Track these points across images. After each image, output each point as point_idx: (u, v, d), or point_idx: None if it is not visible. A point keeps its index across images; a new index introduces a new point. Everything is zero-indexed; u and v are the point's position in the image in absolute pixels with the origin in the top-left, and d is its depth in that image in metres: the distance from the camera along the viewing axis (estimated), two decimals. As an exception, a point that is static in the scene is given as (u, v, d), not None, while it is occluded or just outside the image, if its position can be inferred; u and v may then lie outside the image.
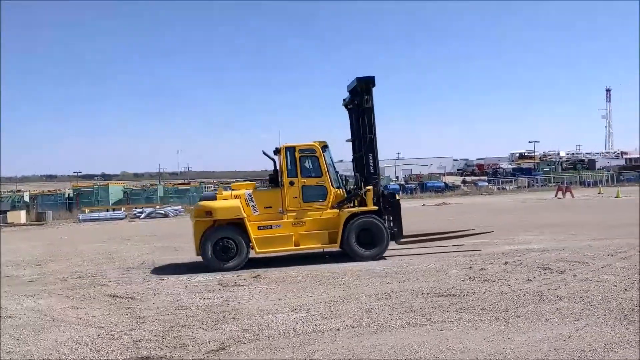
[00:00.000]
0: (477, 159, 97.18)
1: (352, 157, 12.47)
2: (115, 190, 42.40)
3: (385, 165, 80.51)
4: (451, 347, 5.09)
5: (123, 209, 34.95)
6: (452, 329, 5.71)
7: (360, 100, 11.60)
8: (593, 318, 5.82)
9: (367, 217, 11.12)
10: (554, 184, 43.72)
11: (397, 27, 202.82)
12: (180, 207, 33.80)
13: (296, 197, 11.20)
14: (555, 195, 33.80)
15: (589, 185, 46.68)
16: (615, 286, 7.31)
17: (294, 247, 11.07)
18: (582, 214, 19.95)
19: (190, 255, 12.09)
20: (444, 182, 53.13)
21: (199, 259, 10.91)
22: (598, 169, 56.81)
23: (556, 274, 8.45)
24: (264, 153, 11.74)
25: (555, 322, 5.74)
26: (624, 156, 76.69)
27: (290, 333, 5.86)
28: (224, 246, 10.70)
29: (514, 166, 71.09)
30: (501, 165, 72.69)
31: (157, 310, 7.34)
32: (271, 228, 11.06)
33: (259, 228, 10.98)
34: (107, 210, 34.70)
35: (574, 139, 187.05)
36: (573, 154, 78.42)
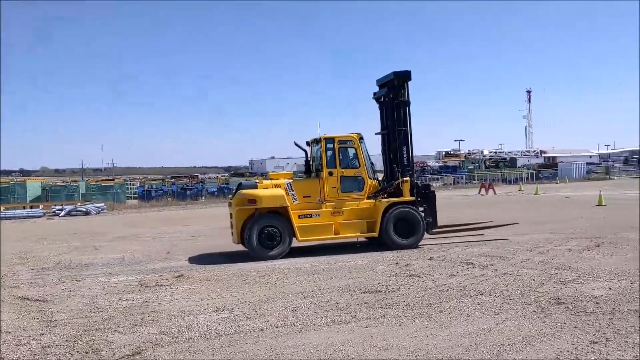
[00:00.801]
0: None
1: (381, 149, 12.61)
2: (33, 186, 40.15)
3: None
4: (375, 345, 5.04)
5: (41, 206, 33.16)
6: (377, 325, 5.68)
7: (396, 94, 11.94)
8: (512, 312, 5.95)
9: (405, 207, 11.44)
10: (478, 181, 45.21)
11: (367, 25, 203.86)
12: (103, 204, 32.43)
13: (335, 187, 11.48)
14: (479, 192, 34.97)
15: (510, 182, 48.61)
16: (534, 280, 7.55)
17: (334, 236, 11.34)
18: (504, 210, 20.68)
19: (110, 254, 11.56)
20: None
21: (119, 257, 10.45)
22: (519, 167, 59.28)
23: (478, 268, 8.64)
24: (296, 144, 12.23)
25: (476, 317, 5.83)
26: (543, 155, 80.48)
27: (212, 335, 5.64)
28: (269, 234, 10.87)
29: (440, 164, 73.09)
30: (428, 163, 74.56)
31: (71, 313, 6.92)
32: (311, 217, 11.31)
33: (299, 217, 11.19)
34: (24, 208, 32.83)
35: (499, 137, 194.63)
36: (496, 152, 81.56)
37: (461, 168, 59.57)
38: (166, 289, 8.23)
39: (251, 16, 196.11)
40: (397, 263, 9.44)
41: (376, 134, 12.68)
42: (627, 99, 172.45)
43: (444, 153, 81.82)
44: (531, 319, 5.64)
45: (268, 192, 11.18)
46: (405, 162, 11.89)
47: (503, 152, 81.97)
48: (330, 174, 11.45)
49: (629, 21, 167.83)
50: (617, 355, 4.50)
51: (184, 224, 20.77)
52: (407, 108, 12.01)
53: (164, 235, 16.69)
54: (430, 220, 11.89)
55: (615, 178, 52.64)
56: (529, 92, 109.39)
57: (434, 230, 12.14)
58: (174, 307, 7.00)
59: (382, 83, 12.51)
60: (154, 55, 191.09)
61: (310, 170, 12.24)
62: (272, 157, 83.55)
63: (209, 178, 53.41)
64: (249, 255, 10.87)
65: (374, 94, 12.82)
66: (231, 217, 11.69)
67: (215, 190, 41.28)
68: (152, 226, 20.18)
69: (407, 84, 12.03)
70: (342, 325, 5.73)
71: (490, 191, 34.16)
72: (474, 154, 77.99)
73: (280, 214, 11.13)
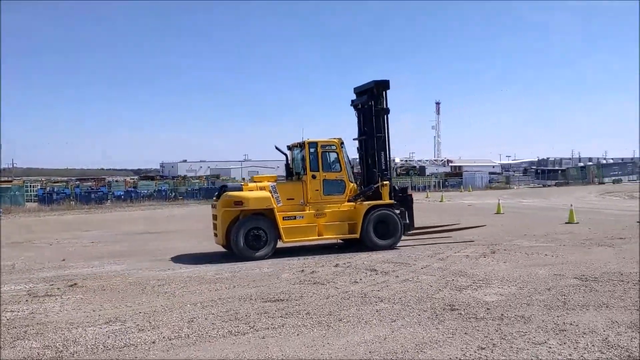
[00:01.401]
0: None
1: (358, 154, 13.16)
2: None
3: (231, 167, 79.95)
4: (270, 356, 4.95)
5: None
6: (275, 335, 5.59)
7: (375, 101, 12.45)
8: (408, 319, 6.06)
9: (384, 209, 11.92)
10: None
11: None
12: (-2, 207, 30.25)
13: (317, 190, 11.85)
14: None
15: (419, 190, 50.26)
16: (431, 286, 7.75)
17: (317, 237, 11.76)
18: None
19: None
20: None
21: (10, 265, 9.72)
22: (427, 175, 61.41)
23: (381, 275, 8.78)
24: (277, 148, 12.53)
25: (374, 324, 5.88)
26: (450, 164, 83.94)
27: (99, 348, 5.33)
28: (255, 235, 11.09)
29: (355, 171, 74.35)
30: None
31: (-57, 328, 6.32)
32: (295, 219, 11.62)
33: (284, 219, 11.45)
34: None
35: (410, 146, 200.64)
36: (407, 160, 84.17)
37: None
38: (56, 299, 7.73)
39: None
40: (302, 270, 9.42)
41: (354, 139, 13.11)
42: (525, 114, 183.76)
43: (357, 160, 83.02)
44: (425, 326, 5.76)
45: (255, 194, 11.41)
46: (384, 167, 12.52)
47: (413, 160, 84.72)
48: (314, 177, 11.82)
49: (529, 36, 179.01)
50: (501, 360, 4.68)
51: (84, 229, 19.76)
52: (386, 115, 12.59)
53: (62, 241, 15.78)
54: (408, 222, 12.40)
55: (515, 187, 55.76)
56: (438, 103, 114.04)
57: (410, 232, 12.69)
58: (62, 318, 6.57)
59: (361, 91, 12.96)
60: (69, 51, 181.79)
61: (291, 173, 12.65)
62: (184, 161, 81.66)
63: (117, 181, 51.40)
64: (140, 265, 10.49)
65: (352, 101, 13.26)
66: (214, 218, 11.90)
67: (122, 193, 39.64)
68: (51, 231, 19.04)
69: (386, 92, 12.57)
70: (238, 336, 5.59)
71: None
72: (386, 161, 79.50)
73: (265, 215, 11.36)
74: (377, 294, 7.38)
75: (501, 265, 9.37)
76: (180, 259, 11.36)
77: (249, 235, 11.05)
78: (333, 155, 12.09)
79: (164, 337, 5.62)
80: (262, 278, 8.91)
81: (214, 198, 12.47)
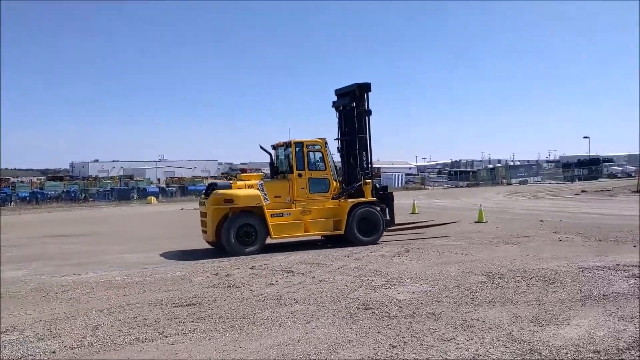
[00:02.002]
0: (242, 163, 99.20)
1: (340, 154, 13.53)
2: None
3: (146, 167, 77.56)
4: (179, 363, 4.77)
5: None
6: (185, 341, 5.39)
7: (357, 103, 13.01)
8: (323, 319, 6.04)
9: (367, 207, 12.54)
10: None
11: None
12: None
13: (303, 188, 12.32)
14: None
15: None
16: (347, 286, 7.79)
17: (304, 233, 12.26)
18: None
19: None
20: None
21: None
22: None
23: (297, 276, 8.73)
24: (262, 147, 13.06)
25: (288, 326, 5.81)
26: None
27: (-9, 362, 4.93)
28: (246, 232, 11.51)
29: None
30: (264, 170, 75.21)
31: None
32: (282, 216, 12.05)
33: (272, 216, 11.86)
34: None
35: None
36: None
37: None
38: (-55, 310, 7.10)
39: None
40: (217, 273, 9.20)
41: (335, 139, 13.56)
42: (439, 117, 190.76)
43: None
44: (339, 326, 5.76)
45: (245, 192, 11.78)
46: (365, 166, 13.08)
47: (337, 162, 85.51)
48: (300, 175, 12.31)
49: (449, 37, 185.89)
50: (412, 358, 4.74)
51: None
52: (367, 116, 13.13)
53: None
54: (388, 218, 13.04)
55: (430, 188, 57.67)
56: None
57: (390, 228, 13.36)
58: (-50, 331, 6.04)
59: (343, 93, 13.48)
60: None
61: (275, 172, 13.11)
62: (96, 160, 78.37)
63: (22, 181, 48.50)
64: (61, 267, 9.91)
65: (333, 102, 13.75)
66: (203, 216, 12.24)
67: (27, 195, 37.40)
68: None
69: (368, 95, 13.11)
70: (146, 343, 5.35)
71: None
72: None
73: (253, 213, 11.77)
74: (292, 295, 7.32)
75: (414, 264, 9.58)
76: (88, 264, 10.81)
77: (240, 231, 11.47)
78: (318, 155, 12.62)
79: (65, 347, 5.29)
80: (174, 282, 8.62)
81: (202, 196, 12.84)
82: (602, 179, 55.59)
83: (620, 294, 6.75)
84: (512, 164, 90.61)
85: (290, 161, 12.48)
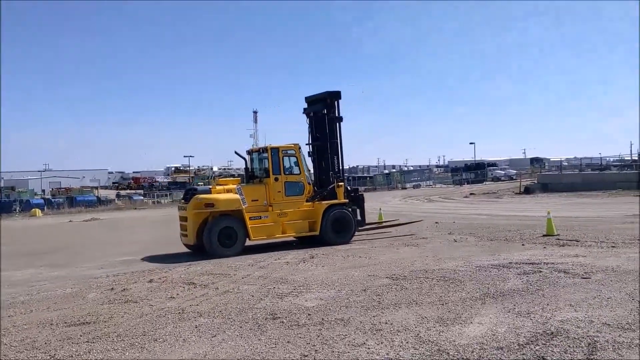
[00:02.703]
0: (134, 172, 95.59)
1: (311, 158, 14.16)
2: None
3: (29, 178, 72.58)
4: (73, 390, 4.35)
5: None
6: (79, 365, 4.95)
7: (328, 110, 13.73)
8: (229, 332, 5.80)
9: (340, 208, 13.27)
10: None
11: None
12: None
13: (280, 192, 12.86)
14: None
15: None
16: (252, 296, 7.58)
17: (281, 235, 12.85)
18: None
19: None
20: (96, 196, 50.11)
21: None
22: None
23: (200, 288, 8.39)
24: (236, 153, 13.81)
25: (192, 341, 5.52)
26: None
27: None
28: (227, 234, 11.99)
29: (169, 180, 71.99)
30: (157, 179, 72.84)
31: None
32: (260, 218, 12.57)
33: (250, 218, 12.34)
34: None
35: (229, 154, 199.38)
36: (225, 168, 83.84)
37: (191, 184, 59.48)
38: None
39: None
40: (112, 289, 8.64)
41: (307, 144, 14.15)
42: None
43: (173, 169, 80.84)
44: (247, 338, 5.55)
45: (225, 196, 12.30)
46: (337, 170, 13.82)
47: (232, 168, 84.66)
48: (276, 179, 12.84)
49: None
50: (324, 366, 4.64)
51: None
52: (338, 123, 13.86)
53: None
54: (360, 219, 13.83)
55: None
56: (255, 112, 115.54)
57: (362, 228, 14.20)
58: None
59: (314, 100, 14.12)
60: None
61: (251, 177, 13.54)
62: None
63: None
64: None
65: (304, 109, 14.36)
66: (183, 220, 12.62)
67: None
68: None
69: (338, 102, 13.81)
70: (34, 370, 4.86)
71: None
72: (204, 170, 78.66)
73: (233, 216, 12.25)
74: (196, 308, 7.00)
75: (320, 269, 9.55)
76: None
77: (221, 234, 11.95)
78: (293, 159, 13.16)
79: None
80: (64, 300, 7.98)
81: (182, 201, 13.46)
82: (487, 182, 59.08)
83: (515, 291, 7.09)
84: (405, 169, 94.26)
85: (266, 166, 13.08)
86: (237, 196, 12.33)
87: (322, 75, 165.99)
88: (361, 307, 6.61)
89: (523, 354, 4.69)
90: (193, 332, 5.88)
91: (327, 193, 13.44)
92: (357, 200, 13.97)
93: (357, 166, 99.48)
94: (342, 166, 14.05)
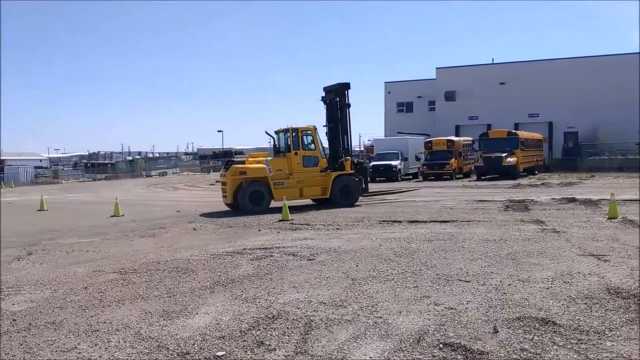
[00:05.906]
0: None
1: (327, 138, 17.27)
2: None
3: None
4: None
5: None
6: None
7: (340, 98, 16.83)
8: None
9: (347, 177, 16.71)
10: None
11: None
12: None
13: (299, 163, 16.38)
14: None
15: None
16: None
17: (299, 197, 16.29)
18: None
19: None
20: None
21: None
22: None
23: None
24: (267, 133, 17.97)
25: None
26: None
27: None
28: (257, 196, 15.70)
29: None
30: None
31: None
32: (283, 184, 16.14)
33: (275, 184, 16.00)
34: None
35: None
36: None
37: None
38: None
39: None
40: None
41: (324, 126, 17.35)
42: (77, 106, 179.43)
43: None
44: None
45: (255, 166, 16.00)
46: (346, 147, 17.05)
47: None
48: (296, 154, 16.32)
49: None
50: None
51: None
52: (347, 109, 16.92)
53: None
54: (363, 187, 17.38)
55: (64, 182, 53.46)
56: None
57: (365, 194, 17.75)
58: None
59: (329, 90, 17.12)
60: None
61: (278, 151, 17.07)
62: None
63: None
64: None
65: (322, 97, 17.40)
66: (223, 184, 16.33)
67: None
68: None
69: (348, 92, 16.82)
70: None
71: None
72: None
73: (261, 182, 15.80)
74: None
75: (37, 268, 8.49)
76: None
77: (251, 196, 15.55)
78: (309, 138, 16.60)
79: None
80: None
81: (223, 170, 17.27)
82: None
83: (245, 277, 7.19)
84: (152, 155, 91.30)
85: (288, 143, 16.44)
86: (264, 166, 15.90)
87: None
88: (79, 307, 5.99)
89: (244, 341, 4.70)
90: None
91: (337, 165, 16.64)
92: (362, 172, 17.44)
93: (99, 152, 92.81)
94: (350, 144, 17.34)
